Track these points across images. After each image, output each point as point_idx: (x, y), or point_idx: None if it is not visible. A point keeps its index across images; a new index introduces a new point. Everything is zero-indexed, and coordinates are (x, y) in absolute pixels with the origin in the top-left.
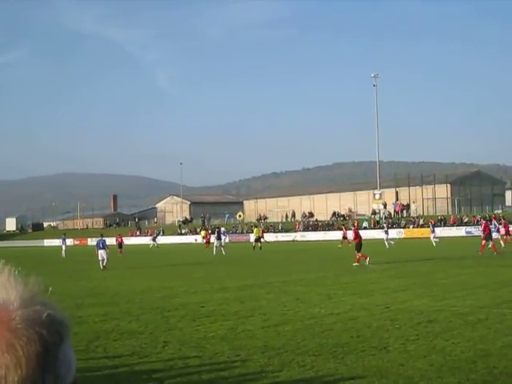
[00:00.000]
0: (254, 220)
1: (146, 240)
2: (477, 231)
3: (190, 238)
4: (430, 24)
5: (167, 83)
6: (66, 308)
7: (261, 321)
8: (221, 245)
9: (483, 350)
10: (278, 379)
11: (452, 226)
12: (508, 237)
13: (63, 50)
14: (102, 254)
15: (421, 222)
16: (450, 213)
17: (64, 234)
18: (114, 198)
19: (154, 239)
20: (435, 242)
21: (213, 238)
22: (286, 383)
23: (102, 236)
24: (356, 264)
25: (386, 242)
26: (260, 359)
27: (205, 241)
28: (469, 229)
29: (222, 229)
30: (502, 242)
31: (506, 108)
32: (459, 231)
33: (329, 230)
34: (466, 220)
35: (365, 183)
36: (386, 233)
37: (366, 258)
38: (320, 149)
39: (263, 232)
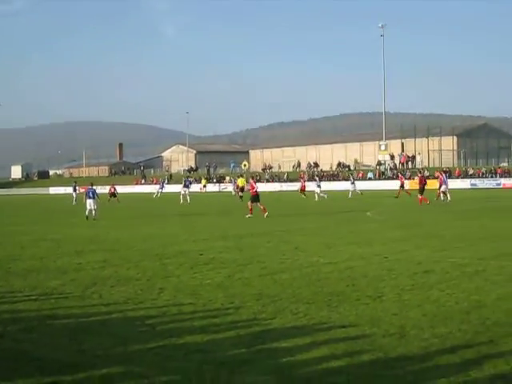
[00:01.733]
0: (259, 170)
1: (150, 188)
2: (481, 184)
3: (195, 187)
4: None
5: (174, 32)
6: (66, 254)
7: (258, 269)
8: (185, 193)
9: (478, 301)
10: (270, 326)
11: (457, 178)
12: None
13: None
14: (90, 203)
15: (426, 173)
16: (455, 165)
17: (75, 182)
18: (120, 146)
19: (161, 187)
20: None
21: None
22: (278, 330)
23: (91, 185)
24: (249, 215)
25: (316, 195)
26: (254, 306)
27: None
28: (474, 181)
29: (190, 179)
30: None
31: None
32: (464, 183)
33: (334, 180)
34: (471, 172)
35: (371, 134)
36: (319, 186)
37: (265, 212)
38: (327, 99)
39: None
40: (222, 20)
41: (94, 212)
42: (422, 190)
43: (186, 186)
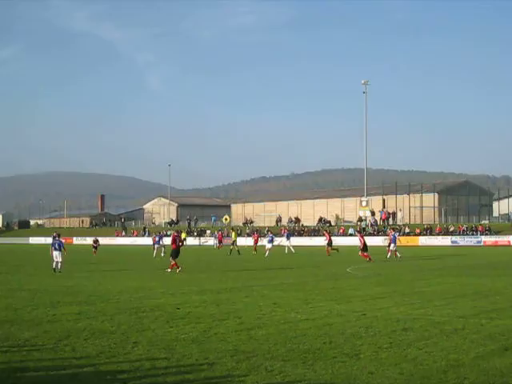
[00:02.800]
0: (240, 224)
1: (130, 240)
2: (462, 241)
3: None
4: (421, 24)
5: (158, 85)
6: (41, 305)
7: (235, 324)
8: (162, 246)
9: (456, 359)
10: None
11: (438, 235)
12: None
13: (55, 49)
14: (56, 255)
15: (406, 230)
16: (436, 222)
17: (57, 234)
18: (102, 197)
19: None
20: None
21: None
22: None
23: (58, 236)
24: (169, 270)
25: (267, 251)
26: (228, 363)
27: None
28: (454, 238)
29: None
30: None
31: (496, 120)
32: (445, 240)
33: (314, 235)
34: (452, 229)
35: (353, 190)
36: (271, 241)
37: (178, 268)
38: (309, 155)
39: (257, 237)
40: (205, 72)
41: (59, 264)
42: (365, 248)
43: (158, 242)
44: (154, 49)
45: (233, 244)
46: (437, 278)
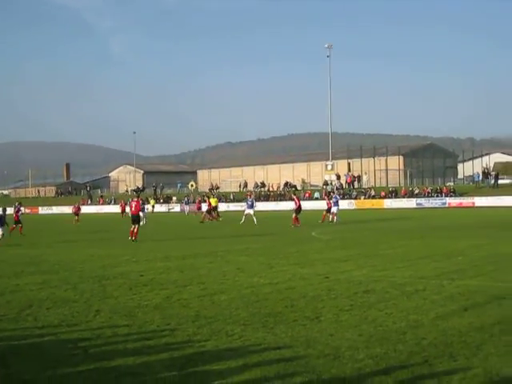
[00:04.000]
0: (207, 190)
1: (96, 209)
2: (427, 203)
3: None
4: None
5: (122, 51)
6: (4, 276)
7: (198, 290)
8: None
9: (416, 320)
10: (204, 348)
11: (403, 197)
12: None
13: (18, 17)
14: None
15: (372, 193)
16: (401, 184)
17: (18, 203)
18: (67, 166)
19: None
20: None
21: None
22: (211, 353)
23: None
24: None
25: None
26: (189, 328)
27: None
28: (419, 200)
29: (16, 203)
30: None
31: (461, 81)
32: (410, 203)
33: (280, 200)
34: (416, 192)
35: (318, 154)
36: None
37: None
38: (275, 119)
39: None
40: (169, 37)
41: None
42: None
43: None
44: (116, 15)
45: (214, 209)
46: (400, 240)
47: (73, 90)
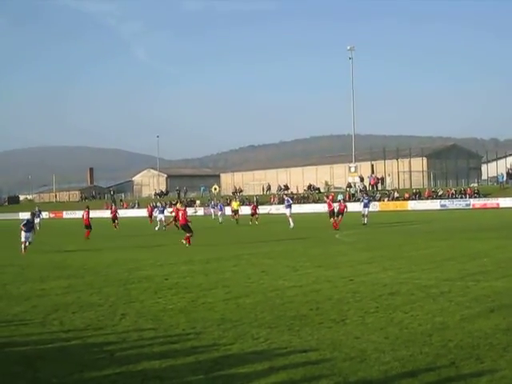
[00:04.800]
0: (230, 193)
1: (121, 213)
2: (451, 204)
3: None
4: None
5: (146, 56)
6: (30, 280)
7: (223, 293)
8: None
9: (441, 322)
10: (230, 352)
11: (427, 199)
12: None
13: (41, 25)
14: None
15: (395, 194)
16: (425, 186)
17: (38, 208)
18: (91, 171)
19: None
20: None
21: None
22: (237, 356)
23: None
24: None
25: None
26: (215, 332)
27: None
28: (443, 202)
29: (36, 208)
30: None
31: (484, 82)
32: (434, 204)
33: (304, 202)
34: (440, 193)
35: (341, 156)
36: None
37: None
38: (297, 122)
39: (255, 207)
40: (193, 42)
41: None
42: (332, 214)
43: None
44: (139, 20)
45: (235, 213)
46: (425, 241)
47: (97, 93)
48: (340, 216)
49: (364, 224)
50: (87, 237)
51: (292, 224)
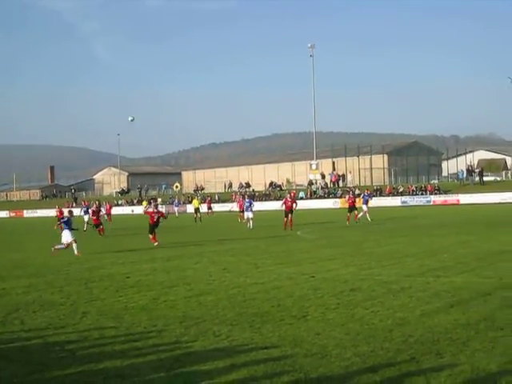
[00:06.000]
0: (191, 191)
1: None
2: (412, 201)
3: (126, 209)
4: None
5: (105, 53)
6: None
7: (184, 291)
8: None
9: (402, 318)
10: (192, 349)
11: (388, 195)
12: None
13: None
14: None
15: (357, 191)
16: (386, 183)
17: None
18: (52, 169)
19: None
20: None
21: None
22: (199, 353)
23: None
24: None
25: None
26: (177, 329)
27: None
28: (404, 198)
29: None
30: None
31: (444, 79)
32: (395, 201)
33: (265, 200)
34: (401, 190)
35: (303, 153)
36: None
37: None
38: (259, 119)
39: (210, 203)
40: (151, 40)
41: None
42: (351, 209)
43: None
44: (99, 18)
45: (196, 212)
46: (386, 238)
47: (56, 92)
48: (350, 212)
49: (356, 221)
50: (102, 233)
51: (251, 226)
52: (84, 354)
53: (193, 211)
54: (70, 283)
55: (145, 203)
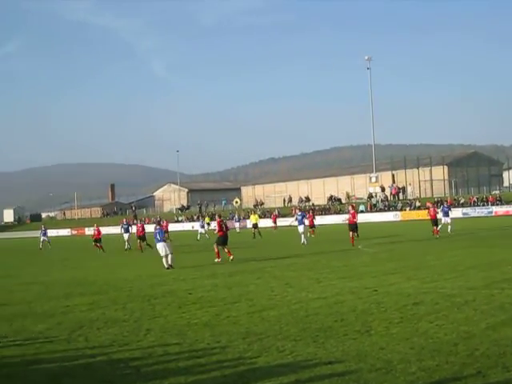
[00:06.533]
0: (251, 206)
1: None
2: (473, 212)
3: (186, 226)
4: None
5: (164, 71)
6: (54, 297)
7: (246, 306)
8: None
9: (466, 331)
10: (255, 365)
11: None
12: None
13: (60, 41)
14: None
15: (417, 204)
16: (446, 194)
17: (43, 226)
18: (112, 187)
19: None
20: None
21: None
22: (263, 369)
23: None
24: (217, 260)
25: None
26: (240, 345)
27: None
28: (465, 210)
29: (42, 227)
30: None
31: (504, 88)
32: (456, 212)
33: (325, 214)
34: (462, 201)
35: (362, 167)
36: (202, 226)
37: (230, 255)
38: (318, 133)
39: (275, 217)
40: (210, 58)
41: (169, 257)
42: (434, 222)
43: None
44: (156, 35)
45: (255, 227)
46: (448, 250)
47: (115, 110)
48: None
49: (449, 232)
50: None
51: (304, 240)
52: (148, 371)
53: (251, 227)
54: (132, 300)
55: (207, 219)
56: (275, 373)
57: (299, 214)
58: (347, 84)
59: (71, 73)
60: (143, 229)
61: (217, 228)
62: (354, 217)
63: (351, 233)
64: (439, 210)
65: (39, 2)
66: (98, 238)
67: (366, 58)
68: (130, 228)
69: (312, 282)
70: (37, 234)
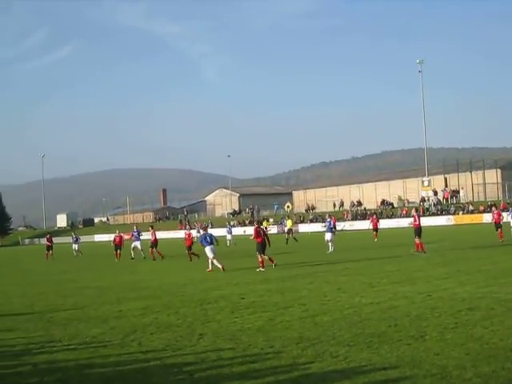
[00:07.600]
0: (302, 210)
1: (194, 233)
2: None
3: (238, 230)
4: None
5: (215, 75)
6: (108, 302)
7: (299, 311)
8: (76, 249)
9: None
10: (309, 371)
11: (503, 211)
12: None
13: (114, 45)
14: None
15: (470, 208)
16: (500, 198)
17: (74, 234)
18: (164, 192)
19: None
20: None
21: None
22: (317, 375)
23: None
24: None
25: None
26: (293, 350)
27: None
28: None
29: (73, 234)
30: None
31: None
32: (510, 216)
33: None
34: None
35: (414, 170)
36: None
37: (272, 262)
38: (369, 137)
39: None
40: (260, 63)
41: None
42: (497, 226)
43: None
44: (209, 41)
45: (289, 232)
46: (502, 255)
47: (167, 114)
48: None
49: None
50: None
51: (331, 249)
52: (202, 376)
53: (286, 230)
54: (185, 305)
55: (266, 223)
56: (329, 379)
57: (327, 221)
58: (398, 86)
59: (122, 74)
60: (191, 238)
61: (253, 234)
62: (415, 220)
63: (417, 238)
64: (505, 214)
65: (91, 8)
66: (118, 245)
67: (418, 61)
68: (139, 235)
69: (365, 286)
70: (89, 238)
